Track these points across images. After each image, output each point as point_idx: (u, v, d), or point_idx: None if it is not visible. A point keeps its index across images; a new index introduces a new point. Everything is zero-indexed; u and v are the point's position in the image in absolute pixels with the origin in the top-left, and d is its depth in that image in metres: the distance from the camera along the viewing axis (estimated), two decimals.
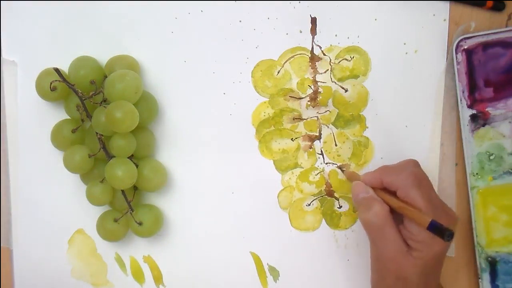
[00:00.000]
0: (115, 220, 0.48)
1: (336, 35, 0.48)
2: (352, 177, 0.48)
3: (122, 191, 0.47)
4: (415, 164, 0.44)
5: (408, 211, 0.41)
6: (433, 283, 0.43)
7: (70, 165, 0.47)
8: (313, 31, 0.48)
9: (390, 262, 0.41)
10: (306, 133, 0.49)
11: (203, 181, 0.50)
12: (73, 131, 0.47)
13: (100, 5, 0.48)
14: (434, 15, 0.47)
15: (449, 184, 0.48)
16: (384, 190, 0.44)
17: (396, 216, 0.43)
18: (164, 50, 0.48)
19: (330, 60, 0.48)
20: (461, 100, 0.47)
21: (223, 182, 0.50)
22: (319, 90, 0.48)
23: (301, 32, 0.48)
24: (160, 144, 0.50)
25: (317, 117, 0.49)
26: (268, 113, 0.49)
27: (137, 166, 0.47)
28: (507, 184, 0.47)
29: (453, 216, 0.42)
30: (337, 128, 0.49)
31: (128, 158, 0.46)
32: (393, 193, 0.43)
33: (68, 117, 0.48)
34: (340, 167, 0.49)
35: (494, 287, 0.48)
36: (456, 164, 0.49)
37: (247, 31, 0.48)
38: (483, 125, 0.47)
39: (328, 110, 0.49)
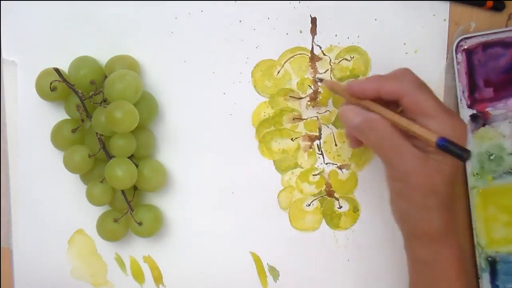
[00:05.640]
0: (115, 220, 0.48)
1: (336, 35, 0.48)
2: (334, 88, 0.44)
3: (122, 191, 0.47)
4: (411, 71, 0.40)
5: (414, 128, 0.38)
6: (461, 196, 0.40)
7: (70, 165, 0.47)
8: (313, 31, 0.48)
9: (413, 176, 0.38)
10: (306, 133, 0.49)
11: (203, 181, 0.50)
12: (73, 131, 0.47)
13: (100, 5, 0.48)
14: (434, 15, 0.47)
15: None
16: (382, 108, 0.40)
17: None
18: (164, 50, 0.48)
19: (330, 60, 0.48)
20: (461, 100, 0.47)
21: (223, 182, 0.50)
22: (319, 90, 0.48)
23: (301, 32, 0.48)
24: (160, 144, 0.50)
25: (317, 117, 0.49)
26: (268, 113, 0.49)
27: (137, 166, 0.47)
28: (507, 184, 0.47)
29: (462, 122, 0.39)
30: (337, 128, 0.49)
31: (128, 158, 0.46)
32: (386, 103, 0.40)
33: (68, 117, 0.48)
34: (319, 79, 0.46)
35: (494, 287, 0.48)
36: None
37: (247, 31, 0.48)
38: (483, 125, 0.47)
39: (328, 110, 0.49)
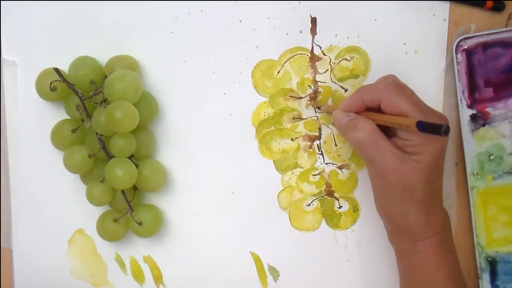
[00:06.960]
0: (115, 220, 0.48)
1: (336, 35, 0.48)
2: (330, 109, 0.47)
3: (122, 191, 0.47)
4: (392, 76, 0.42)
5: (394, 119, 0.40)
6: (438, 191, 0.42)
7: (70, 165, 0.47)
8: (313, 31, 0.48)
9: (391, 173, 0.40)
10: (306, 133, 0.49)
11: (203, 181, 0.50)
12: (73, 131, 0.47)
13: (100, 5, 0.48)
14: (434, 15, 0.47)
15: (449, 184, 0.48)
16: (367, 111, 0.43)
17: (386, 133, 0.42)
18: (164, 50, 0.48)
19: (330, 60, 0.48)
20: (461, 100, 0.47)
21: (223, 182, 0.50)
22: (319, 90, 0.48)
23: (301, 32, 0.48)
24: (160, 144, 0.50)
25: (317, 117, 0.49)
26: (268, 113, 0.49)
27: (137, 166, 0.47)
28: (507, 184, 0.47)
29: (443, 118, 0.41)
30: None
31: (128, 158, 0.46)
32: (377, 111, 0.42)
33: (68, 117, 0.48)
34: (317, 107, 0.49)
35: (494, 287, 0.48)
36: (456, 164, 0.49)
37: (247, 31, 0.48)
38: (483, 125, 0.47)
39: None
